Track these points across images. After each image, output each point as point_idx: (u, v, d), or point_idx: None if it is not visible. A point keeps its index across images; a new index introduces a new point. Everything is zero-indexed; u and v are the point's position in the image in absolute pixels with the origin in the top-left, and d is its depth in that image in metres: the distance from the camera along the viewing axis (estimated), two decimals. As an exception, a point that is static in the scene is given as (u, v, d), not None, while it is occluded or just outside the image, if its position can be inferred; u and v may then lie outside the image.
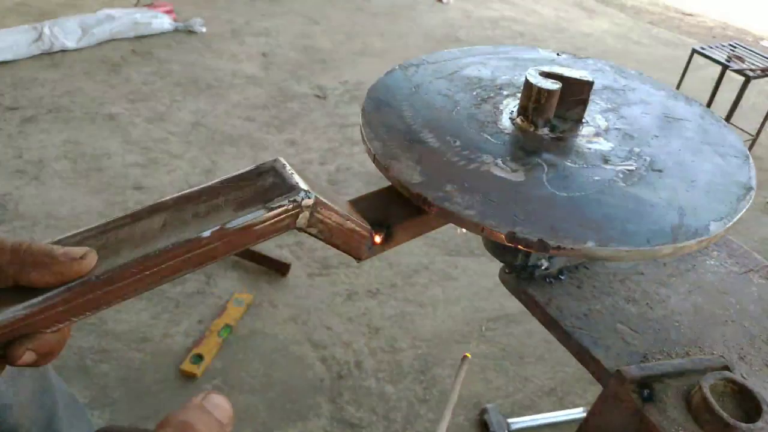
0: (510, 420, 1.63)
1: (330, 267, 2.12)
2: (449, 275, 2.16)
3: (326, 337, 1.86)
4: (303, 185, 0.42)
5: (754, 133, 3.24)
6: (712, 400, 0.51)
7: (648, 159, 0.55)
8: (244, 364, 1.74)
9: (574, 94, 0.57)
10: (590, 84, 0.56)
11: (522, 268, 0.62)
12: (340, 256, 2.16)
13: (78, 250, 0.36)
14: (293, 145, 2.81)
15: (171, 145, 2.70)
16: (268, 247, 2.15)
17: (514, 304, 1.96)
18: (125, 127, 2.79)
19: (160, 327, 1.82)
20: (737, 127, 3.26)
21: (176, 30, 3.78)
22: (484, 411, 1.64)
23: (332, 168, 2.68)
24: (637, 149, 0.56)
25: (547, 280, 0.63)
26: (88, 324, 1.78)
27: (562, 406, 1.73)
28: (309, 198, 0.41)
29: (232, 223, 0.39)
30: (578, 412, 1.69)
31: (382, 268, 2.14)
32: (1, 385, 0.83)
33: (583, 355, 0.59)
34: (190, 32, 3.80)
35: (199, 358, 1.71)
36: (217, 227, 0.39)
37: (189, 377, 1.67)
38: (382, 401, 1.69)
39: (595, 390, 1.82)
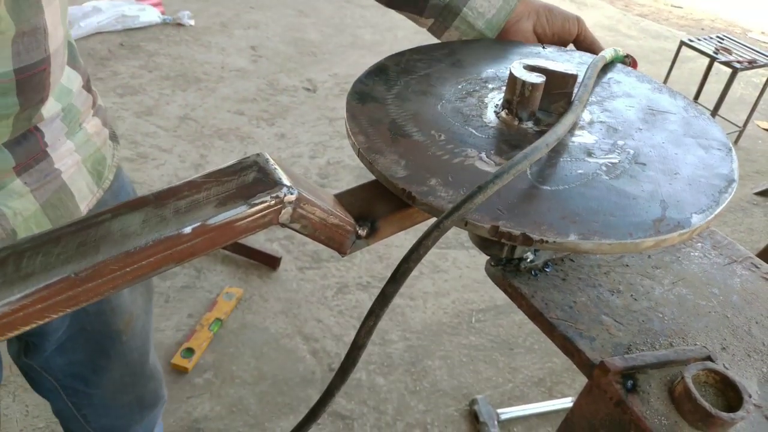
0: (499, 410, 1.64)
1: (321, 260, 2.13)
2: (439, 267, 2.17)
3: (317, 330, 1.86)
4: (286, 181, 0.42)
5: (741, 124, 3.26)
6: (694, 390, 0.52)
7: (631, 152, 0.55)
8: (235, 358, 1.74)
9: (559, 87, 0.57)
10: (574, 77, 0.56)
11: (508, 261, 0.63)
12: (331, 250, 2.16)
13: None
14: (283, 139, 2.80)
15: (160, 139, 2.68)
16: (259, 241, 2.15)
17: (503, 296, 1.98)
18: (113, 122, 2.76)
19: (150, 322, 1.81)
20: (724, 118, 3.29)
21: (164, 23, 3.76)
22: (473, 402, 1.66)
23: (322, 162, 2.67)
24: (620, 142, 0.57)
25: (533, 272, 0.63)
26: (77, 319, 1.78)
27: (551, 396, 1.74)
28: (291, 194, 0.41)
29: (213, 220, 0.39)
30: (567, 402, 1.70)
31: (373, 261, 2.15)
32: (125, 295, 0.87)
33: (567, 346, 0.59)
34: (179, 25, 3.77)
35: (190, 352, 1.71)
36: (198, 223, 0.38)
37: (180, 371, 1.67)
38: (373, 393, 1.69)
39: (583, 380, 1.84)
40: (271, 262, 2.06)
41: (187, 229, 0.38)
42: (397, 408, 1.66)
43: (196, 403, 1.60)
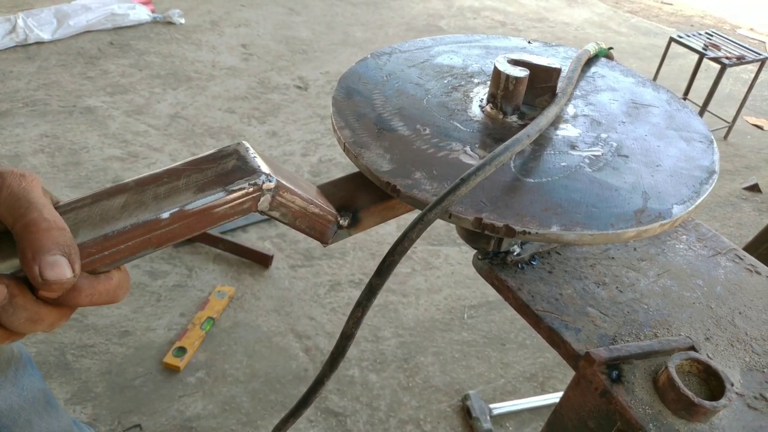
0: (492, 405, 1.65)
1: (313, 258, 2.13)
2: (431, 264, 2.17)
3: (309, 327, 1.86)
4: (264, 168, 0.42)
5: (730, 120, 3.28)
6: (677, 379, 0.52)
7: (614, 144, 0.56)
8: (228, 356, 1.74)
9: (543, 81, 0.57)
10: (558, 71, 0.57)
11: (495, 254, 0.63)
12: (324, 249, 2.16)
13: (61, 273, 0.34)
14: (274, 137, 2.80)
15: (150, 138, 2.67)
16: (251, 240, 2.15)
17: (495, 292, 1.98)
18: (103, 121, 2.75)
19: (141, 321, 1.81)
20: (713, 114, 3.31)
21: (154, 21, 3.74)
22: (466, 397, 1.66)
23: (314, 159, 2.67)
24: (604, 135, 0.57)
25: (520, 265, 0.64)
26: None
27: (543, 391, 1.75)
28: (270, 181, 0.42)
29: (192, 205, 0.39)
30: (558, 397, 1.71)
31: (365, 258, 2.15)
32: None
33: (554, 338, 0.60)
34: (169, 23, 3.75)
35: (182, 350, 1.70)
36: (176, 209, 0.39)
37: (172, 370, 1.67)
38: (365, 390, 1.70)
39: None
40: (263, 260, 2.06)
41: (165, 215, 0.39)
42: (390, 404, 1.67)
43: (189, 401, 1.60)
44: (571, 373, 1.82)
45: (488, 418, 1.61)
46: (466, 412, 1.64)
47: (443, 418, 1.64)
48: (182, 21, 3.78)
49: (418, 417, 1.64)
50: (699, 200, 0.50)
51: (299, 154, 2.70)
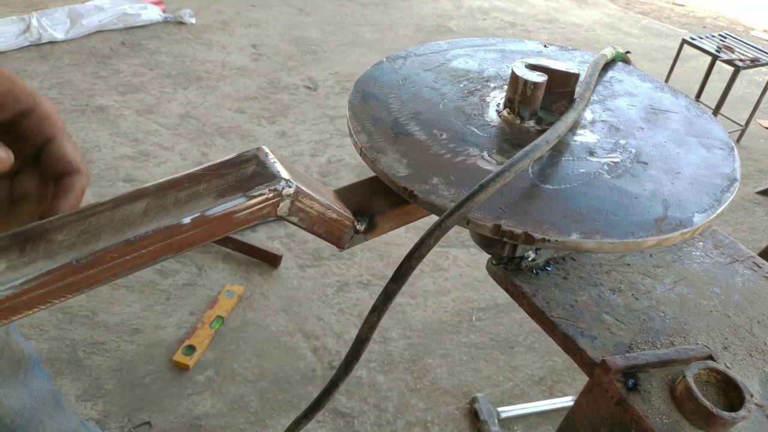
0: (500, 409, 1.64)
1: (321, 258, 2.13)
2: (440, 266, 2.17)
3: (318, 327, 1.86)
4: (284, 174, 0.42)
5: (743, 123, 3.25)
6: (695, 389, 0.52)
7: (633, 151, 0.55)
8: (236, 355, 1.74)
9: (560, 86, 0.57)
10: (576, 76, 0.56)
11: (509, 259, 0.63)
12: (332, 248, 2.16)
13: None
14: (284, 137, 2.80)
15: (161, 137, 2.68)
16: (260, 239, 2.15)
17: (503, 294, 1.98)
18: (115, 120, 2.77)
19: (152, 319, 1.82)
20: (726, 117, 3.28)
21: (166, 21, 3.75)
22: (474, 400, 1.66)
23: (323, 160, 2.67)
24: (622, 141, 0.57)
25: (534, 271, 0.63)
26: (79, 316, 1.78)
27: (552, 395, 1.74)
28: (290, 187, 0.42)
29: (212, 211, 0.40)
30: (567, 401, 1.70)
31: (373, 259, 2.15)
32: None
33: (569, 345, 0.59)
34: (180, 23, 3.77)
35: (192, 349, 1.71)
36: (197, 214, 0.39)
37: (181, 368, 1.68)
38: (373, 391, 1.69)
39: (583, 379, 1.84)
40: (272, 260, 2.06)
41: (187, 220, 0.39)
42: (398, 406, 1.66)
43: (198, 400, 1.61)
44: (580, 377, 1.81)
45: (496, 421, 1.60)
46: (473, 415, 1.64)
47: (451, 421, 1.64)
48: (193, 21, 3.79)
49: (425, 419, 1.64)
50: (720, 209, 0.49)
51: (308, 154, 2.70)
